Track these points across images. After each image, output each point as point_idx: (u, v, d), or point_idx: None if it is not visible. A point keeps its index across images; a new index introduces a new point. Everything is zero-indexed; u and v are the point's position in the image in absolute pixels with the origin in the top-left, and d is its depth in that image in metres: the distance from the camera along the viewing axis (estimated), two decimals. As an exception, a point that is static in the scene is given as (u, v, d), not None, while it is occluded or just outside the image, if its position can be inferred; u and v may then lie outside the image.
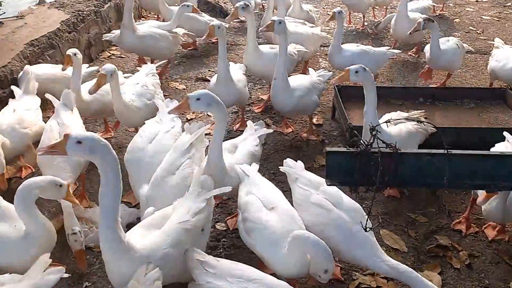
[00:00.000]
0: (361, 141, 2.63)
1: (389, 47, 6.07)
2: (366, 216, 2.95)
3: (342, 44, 5.56)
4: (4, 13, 5.93)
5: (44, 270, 2.59)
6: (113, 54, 7.01)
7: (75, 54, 4.34)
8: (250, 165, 3.51)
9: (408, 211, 3.96)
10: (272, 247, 2.84)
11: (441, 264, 3.46)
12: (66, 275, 2.65)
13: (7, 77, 4.73)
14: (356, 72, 3.62)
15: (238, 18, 7.08)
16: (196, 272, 2.58)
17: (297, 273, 2.83)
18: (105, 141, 2.49)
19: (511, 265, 3.41)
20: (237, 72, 4.93)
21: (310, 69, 5.24)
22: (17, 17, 6.08)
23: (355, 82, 3.80)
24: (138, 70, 5.12)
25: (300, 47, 5.56)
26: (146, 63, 5.83)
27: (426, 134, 4.05)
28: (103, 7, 7.06)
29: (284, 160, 3.53)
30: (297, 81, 4.71)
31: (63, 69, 4.51)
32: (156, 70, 5.03)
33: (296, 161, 3.54)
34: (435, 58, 5.51)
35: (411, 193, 4.13)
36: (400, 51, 5.93)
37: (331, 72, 5.10)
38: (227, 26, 4.51)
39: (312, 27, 6.34)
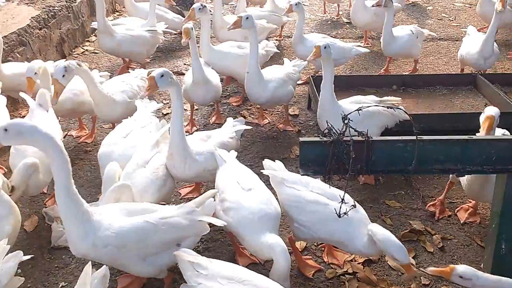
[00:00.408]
0: (334, 130, 2.67)
1: (361, 43, 6.12)
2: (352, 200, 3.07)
3: (308, 33, 5.77)
4: (-30, 10, 5.78)
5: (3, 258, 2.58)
6: (86, 50, 6.93)
7: (35, 73, 4.02)
8: None
9: (382, 198, 4.04)
10: (248, 226, 2.90)
11: (415, 248, 3.54)
12: (25, 257, 2.65)
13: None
14: (325, 47, 3.91)
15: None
16: (188, 273, 2.57)
17: (268, 255, 2.87)
18: (32, 122, 2.57)
19: (483, 247, 3.50)
20: (208, 68, 4.95)
21: (285, 59, 5.28)
22: (-16, 14, 5.94)
23: (324, 57, 3.95)
24: (111, 66, 5.09)
25: (271, 46, 5.61)
26: (133, 68, 5.77)
27: (394, 120, 4.07)
28: (75, 2, 6.96)
29: (263, 162, 3.50)
30: (271, 72, 4.75)
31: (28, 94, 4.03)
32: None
33: (273, 152, 3.59)
34: (387, 45, 5.64)
35: (385, 180, 4.22)
36: (368, 50, 5.99)
37: (305, 62, 5.12)
38: (190, 26, 4.45)
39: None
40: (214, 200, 3.16)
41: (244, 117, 5.18)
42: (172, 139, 3.41)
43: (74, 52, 6.79)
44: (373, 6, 5.77)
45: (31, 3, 6.42)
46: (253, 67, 4.50)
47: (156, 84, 3.25)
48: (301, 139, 2.78)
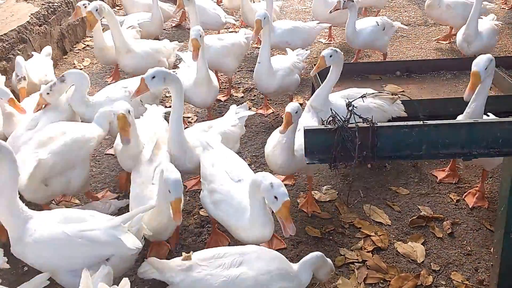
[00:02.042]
0: (338, 117, 2.64)
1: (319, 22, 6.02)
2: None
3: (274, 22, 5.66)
4: (-30, 8, 5.75)
5: None
6: (88, 45, 6.89)
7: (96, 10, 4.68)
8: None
9: (390, 185, 4.01)
10: (240, 217, 2.87)
11: (424, 234, 3.52)
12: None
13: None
14: (331, 56, 3.82)
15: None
16: (168, 275, 2.53)
17: (262, 236, 2.88)
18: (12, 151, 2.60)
19: (492, 231, 3.48)
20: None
21: (287, 49, 5.23)
22: (-17, 12, 5.91)
23: (331, 64, 3.89)
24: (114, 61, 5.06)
25: (248, 32, 5.51)
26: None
27: (386, 116, 3.94)
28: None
29: None
30: (278, 62, 4.75)
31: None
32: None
33: None
34: (350, 38, 5.58)
35: (392, 166, 4.19)
36: (329, 24, 5.99)
37: (308, 51, 5.11)
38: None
39: None
40: (202, 191, 3.17)
41: (249, 108, 5.14)
42: (171, 133, 3.39)
43: (75, 47, 6.76)
44: (330, 12, 5.52)
45: (30, -1, 6.39)
46: (264, 57, 4.50)
47: (147, 87, 3.23)
48: (305, 127, 2.75)
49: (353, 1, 5.38)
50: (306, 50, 5.12)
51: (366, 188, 3.98)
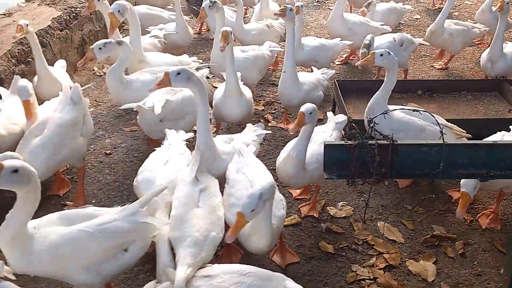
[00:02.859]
0: (359, 133, 2.64)
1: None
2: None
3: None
4: (-9, 9, 5.85)
5: None
6: (107, 51, 6.95)
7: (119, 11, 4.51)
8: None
9: (405, 203, 3.99)
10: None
11: (436, 253, 3.50)
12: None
13: (-4, 76, 4.68)
14: (381, 55, 3.71)
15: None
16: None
17: (257, 247, 2.87)
18: (33, 169, 2.49)
19: (503, 253, 3.45)
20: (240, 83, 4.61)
21: (313, 67, 5.24)
22: (4, 14, 5.99)
23: (379, 65, 3.83)
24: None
25: (274, 46, 5.52)
26: None
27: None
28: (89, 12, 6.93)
29: None
30: (304, 76, 4.79)
31: None
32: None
33: None
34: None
35: (407, 184, 4.17)
36: (351, 42, 5.92)
37: (333, 70, 5.17)
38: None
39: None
40: (223, 193, 3.17)
41: (268, 121, 5.19)
42: (199, 140, 3.37)
43: (94, 54, 6.83)
44: (275, 14, 5.18)
45: (52, 3, 6.48)
46: (289, 67, 4.50)
47: (170, 81, 3.25)
48: (325, 141, 2.75)
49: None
50: (332, 69, 5.17)
51: (381, 205, 3.96)
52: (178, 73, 3.23)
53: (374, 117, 2.76)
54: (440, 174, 2.67)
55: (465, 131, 3.94)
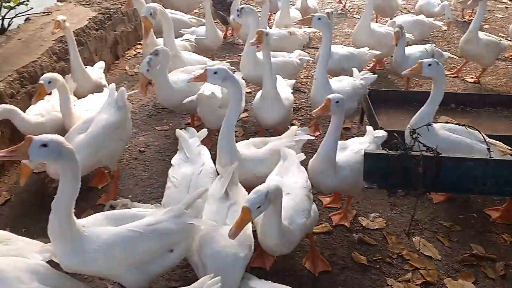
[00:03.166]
0: (401, 144, 2.57)
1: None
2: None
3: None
4: (32, 8, 5.96)
5: None
6: (138, 52, 7.02)
7: (49, 82, 3.83)
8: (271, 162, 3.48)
9: (441, 219, 3.87)
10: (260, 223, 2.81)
11: (475, 273, 3.36)
12: None
13: (37, 72, 4.75)
14: (429, 65, 3.58)
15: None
16: None
17: (267, 246, 2.83)
18: (70, 145, 2.44)
19: (547, 277, 3.31)
20: (284, 88, 4.55)
21: (354, 69, 5.04)
22: (44, 13, 6.12)
23: (427, 75, 3.68)
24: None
25: (303, 55, 5.47)
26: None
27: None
28: (128, 10, 7.05)
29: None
30: (340, 84, 4.63)
31: (33, 103, 3.97)
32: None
33: None
34: (398, 62, 5.48)
35: (444, 200, 4.05)
36: (379, 52, 5.83)
37: (375, 75, 5.00)
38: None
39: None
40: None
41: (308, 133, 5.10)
42: (220, 141, 3.35)
43: (126, 54, 6.91)
44: (296, 22, 5.29)
45: (87, 4, 6.59)
46: (320, 74, 4.41)
47: (206, 78, 3.29)
48: (366, 150, 2.69)
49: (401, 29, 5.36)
50: (374, 74, 5.01)
51: (416, 220, 3.85)
52: (215, 72, 3.27)
53: (417, 128, 2.67)
54: (488, 190, 2.59)
55: (510, 148, 3.80)
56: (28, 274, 2.40)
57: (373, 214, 3.91)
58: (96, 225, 2.61)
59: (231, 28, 7.52)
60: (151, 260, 2.65)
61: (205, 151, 3.53)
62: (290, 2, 6.87)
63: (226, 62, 5.15)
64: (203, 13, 7.03)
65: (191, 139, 3.55)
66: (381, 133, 3.61)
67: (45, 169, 3.80)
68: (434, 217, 3.88)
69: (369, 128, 3.86)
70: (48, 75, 3.81)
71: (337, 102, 3.20)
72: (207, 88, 4.14)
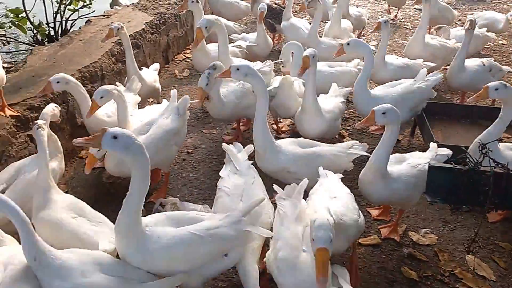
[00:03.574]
0: (470, 158, 2.54)
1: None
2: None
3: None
4: (94, 11, 6.21)
5: None
6: (187, 57, 7.18)
7: (101, 97, 3.80)
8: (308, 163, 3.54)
9: (496, 239, 3.77)
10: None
11: (533, 297, 3.27)
12: None
13: (97, 72, 4.94)
14: (496, 89, 3.51)
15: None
16: None
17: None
18: (140, 141, 2.51)
19: None
20: (330, 101, 4.54)
21: (422, 70, 4.88)
22: (103, 16, 6.37)
23: (494, 98, 3.65)
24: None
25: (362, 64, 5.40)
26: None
27: None
28: (183, 11, 7.26)
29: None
30: (391, 88, 4.61)
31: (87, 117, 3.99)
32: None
33: None
34: (453, 75, 5.32)
35: (500, 220, 3.95)
36: (434, 64, 5.69)
37: (441, 74, 4.83)
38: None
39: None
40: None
41: (343, 136, 5.10)
42: (255, 129, 3.54)
43: (176, 58, 7.07)
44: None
45: (144, 9, 6.81)
46: (361, 81, 4.46)
47: (230, 74, 3.51)
48: (431, 163, 2.66)
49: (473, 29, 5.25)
50: (439, 73, 4.88)
51: (470, 239, 3.76)
52: (238, 69, 3.49)
53: (487, 143, 2.64)
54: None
55: None
56: (92, 266, 2.50)
57: (424, 229, 3.85)
58: (158, 225, 2.68)
59: (278, 35, 7.63)
60: (208, 263, 2.71)
61: (254, 171, 3.48)
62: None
63: (271, 62, 5.16)
64: (249, 20, 7.17)
65: (239, 153, 3.58)
66: (445, 151, 3.48)
67: (103, 164, 3.94)
68: (490, 237, 3.79)
69: (432, 145, 3.70)
70: (101, 90, 3.78)
71: (383, 113, 3.17)
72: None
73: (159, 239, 2.56)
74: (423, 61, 5.63)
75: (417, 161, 3.44)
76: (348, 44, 4.49)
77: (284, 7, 7.41)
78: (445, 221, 3.94)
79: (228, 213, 2.80)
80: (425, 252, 3.63)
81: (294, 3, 7.61)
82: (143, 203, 2.60)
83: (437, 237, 3.77)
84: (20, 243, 2.42)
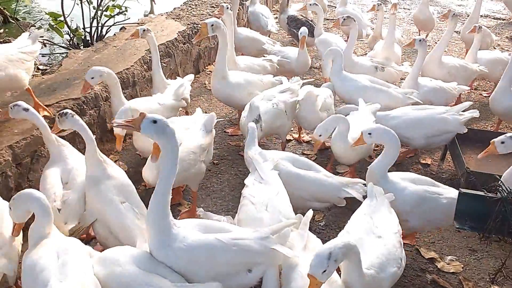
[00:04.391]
0: (504, 187, 2.47)
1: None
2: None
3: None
4: (129, 18, 6.36)
5: None
6: (217, 68, 7.24)
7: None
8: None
9: (526, 270, 3.65)
10: None
11: None
12: None
13: (129, 79, 5.04)
14: (502, 143, 3.53)
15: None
16: None
17: None
18: (173, 127, 2.67)
19: None
20: (362, 123, 4.36)
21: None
22: (137, 23, 6.51)
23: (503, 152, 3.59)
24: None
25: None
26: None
27: None
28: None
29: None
30: (413, 110, 4.61)
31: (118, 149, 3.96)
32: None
33: None
34: (498, 99, 4.99)
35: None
36: (468, 88, 5.62)
37: (476, 112, 4.62)
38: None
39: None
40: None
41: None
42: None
43: (207, 68, 7.15)
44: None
45: (177, 18, 6.92)
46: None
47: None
48: (462, 189, 2.60)
49: None
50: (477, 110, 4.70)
51: (496, 268, 3.65)
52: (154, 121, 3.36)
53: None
54: None
55: None
56: (130, 258, 2.63)
57: (450, 256, 3.75)
58: (188, 228, 2.74)
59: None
60: (229, 273, 2.70)
61: (278, 176, 3.49)
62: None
63: (299, 79, 5.07)
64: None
65: (264, 162, 3.57)
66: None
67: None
68: (517, 268, 3.67)
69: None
70: (91, 71, 4.05)
71: (369, 134, 3.34)
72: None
73: (184, 239, 2.63)
74: (458, 84, 5.50)
75: (443, 191, 3.35)
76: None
77: (310, 19, 7.45)
78: (472, 250, 3.84)
79: (258, 229, 2.80)
80: (449, 280, 3.54)
81: (325, 19, 7.65)
82: (171, 191, 2.70)
83: (462, 265, 3.68)
84: None
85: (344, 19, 5.82)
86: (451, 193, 3.35)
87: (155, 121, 2.58)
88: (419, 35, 9.14)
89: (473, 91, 6.76)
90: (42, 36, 4.88)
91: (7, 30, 7.65)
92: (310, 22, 7.48)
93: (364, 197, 3.32)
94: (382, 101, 4.80)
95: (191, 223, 2.81)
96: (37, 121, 3.46)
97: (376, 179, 3.32)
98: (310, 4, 6.91)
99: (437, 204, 3.31)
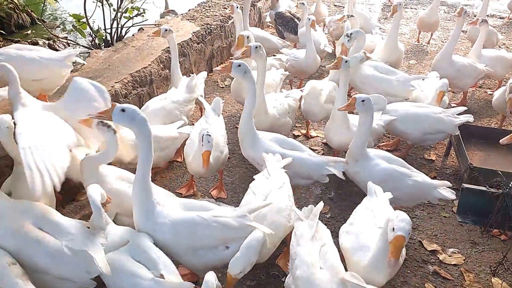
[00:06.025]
0: (505, 182, 2.65)
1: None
2: None
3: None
4: (147, 20, 6.58)
5: None
6: (230, 67, 7.43)
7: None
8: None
9: (525, 263, 3.83)
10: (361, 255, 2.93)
11: None
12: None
13: (147, 77, 5.26)
14: None
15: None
16: None
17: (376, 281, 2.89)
18: (144, 114, 2.92)
19: None
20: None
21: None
22: (155, 25, 6.73)
23: None
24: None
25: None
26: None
27: None
28: (227, 23, 7.56)
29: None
30: (415, 106, 4.79)
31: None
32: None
33: None
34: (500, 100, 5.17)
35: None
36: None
37: (470, 116, 4.66)
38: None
39: None
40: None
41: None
42: (242, 124, 4.00)
43: (219, 67, 7.35)
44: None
45: (192, 19, 7.13)
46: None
47: (230, 69, 3.88)
48: (465, 185, 2.79)
49: None
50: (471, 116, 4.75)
51: (497, 262, 3.84)
52: (239, 65, 3.86)
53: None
54: None
55: None
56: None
57: (451, 249, 3.93)
58: (171, 206, 3.08)
59: (294, 44, 7.77)
60: (208, 247, 2.99)
61: (285, 175, 3.69)
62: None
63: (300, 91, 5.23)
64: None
65: (273, 162, 3.83)
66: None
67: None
68: (519, 260, 3.85)
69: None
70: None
71: (362, 101, 3.58)
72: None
73: (168, 215, 2.97)
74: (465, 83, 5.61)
75: (412, 174, 3.65)
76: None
77: (296, 17, 7.59)
78: (474, 243, 4.01)
79: (236, 208, 3.14)
80: (450, 271, 3.72)
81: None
82: (150, 172, 3.01)
83: (464, 258, 3.85)
84: None
85: (348, 40, 5.35)
86: (419, 177, 3.64)
87: (123, 110, 2.83)
88: (419, 35, 9.21)
89: (477, 89, 6.94)
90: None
91: (34, 31, 7.91)
92: (296, 20, 7.57)
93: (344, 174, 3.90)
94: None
95: (175, 202, 3.14)
96: None
97: (355, 157, 3.67)
98: (348, 16, 6.88)
99: (401, 184, 3.61)
